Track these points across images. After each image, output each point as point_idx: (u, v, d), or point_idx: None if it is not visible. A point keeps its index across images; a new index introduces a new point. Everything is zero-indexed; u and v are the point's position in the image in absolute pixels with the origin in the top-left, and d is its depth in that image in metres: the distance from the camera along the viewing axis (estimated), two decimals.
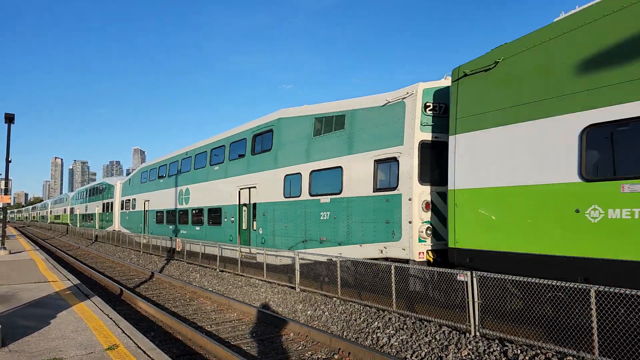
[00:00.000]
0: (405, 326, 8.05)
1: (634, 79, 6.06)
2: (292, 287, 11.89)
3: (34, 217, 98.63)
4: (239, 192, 16.71)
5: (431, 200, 9.63)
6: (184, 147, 22.80)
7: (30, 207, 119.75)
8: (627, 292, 5.65)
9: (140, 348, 5.90)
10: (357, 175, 11.17)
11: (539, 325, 6.79)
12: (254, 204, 15.79)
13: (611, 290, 5.77)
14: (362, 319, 8.75)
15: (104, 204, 36.30)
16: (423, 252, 9.52)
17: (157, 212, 24.78)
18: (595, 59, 6.56)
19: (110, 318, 7.57)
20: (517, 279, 6.81)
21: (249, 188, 16.13)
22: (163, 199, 23.88)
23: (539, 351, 6.38)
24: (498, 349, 6.63)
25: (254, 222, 15.90)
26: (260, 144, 15.72)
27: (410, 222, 9.52)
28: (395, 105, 10.28)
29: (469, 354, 6.67)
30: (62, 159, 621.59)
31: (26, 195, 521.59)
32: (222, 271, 15.94)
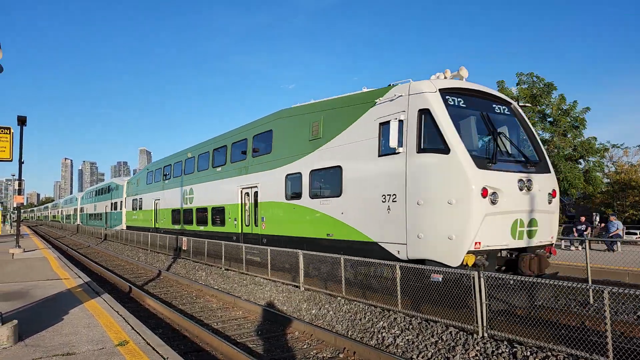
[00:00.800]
0: (411, 326, 8.02)
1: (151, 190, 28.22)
2: (297, 286, 11.99)
3: (38, 217, 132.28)
4: (104, 206, 40.78)
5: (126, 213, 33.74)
6: (96, 185, 53.90)
7: (35, 208, 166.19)
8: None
9: (149, 344, 6.02)
10: (118, 204, 35.64)
11: (549, 327, 6.71)
12: (108, 212, 39.36)
13: (623, 291, 5.76)
14: (367, 319, 8.79)
15: (74, 209, 63.99)
16: (125, 228, 32.71)
17: (89, 214, 51.14)
18: (150, 182, 28.54)
19: (120, 315, 7.72)
20: (519, 278, 6.88)
21: (105, 206, 40.44)
22: (90, 208, 50.25)
23: (549, 353, 6.19)
24: (507, 350, 6.52)
25: (108, 218, 39.16)
26: (110, 191, 39.45)
27: (122, 218, 34.27)
28: (121, 186, 35.16)
29: (476, 355, 6.58)
30: (71, 160, 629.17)
31: (38, 195, 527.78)
32: (228, 269, 16.10)
